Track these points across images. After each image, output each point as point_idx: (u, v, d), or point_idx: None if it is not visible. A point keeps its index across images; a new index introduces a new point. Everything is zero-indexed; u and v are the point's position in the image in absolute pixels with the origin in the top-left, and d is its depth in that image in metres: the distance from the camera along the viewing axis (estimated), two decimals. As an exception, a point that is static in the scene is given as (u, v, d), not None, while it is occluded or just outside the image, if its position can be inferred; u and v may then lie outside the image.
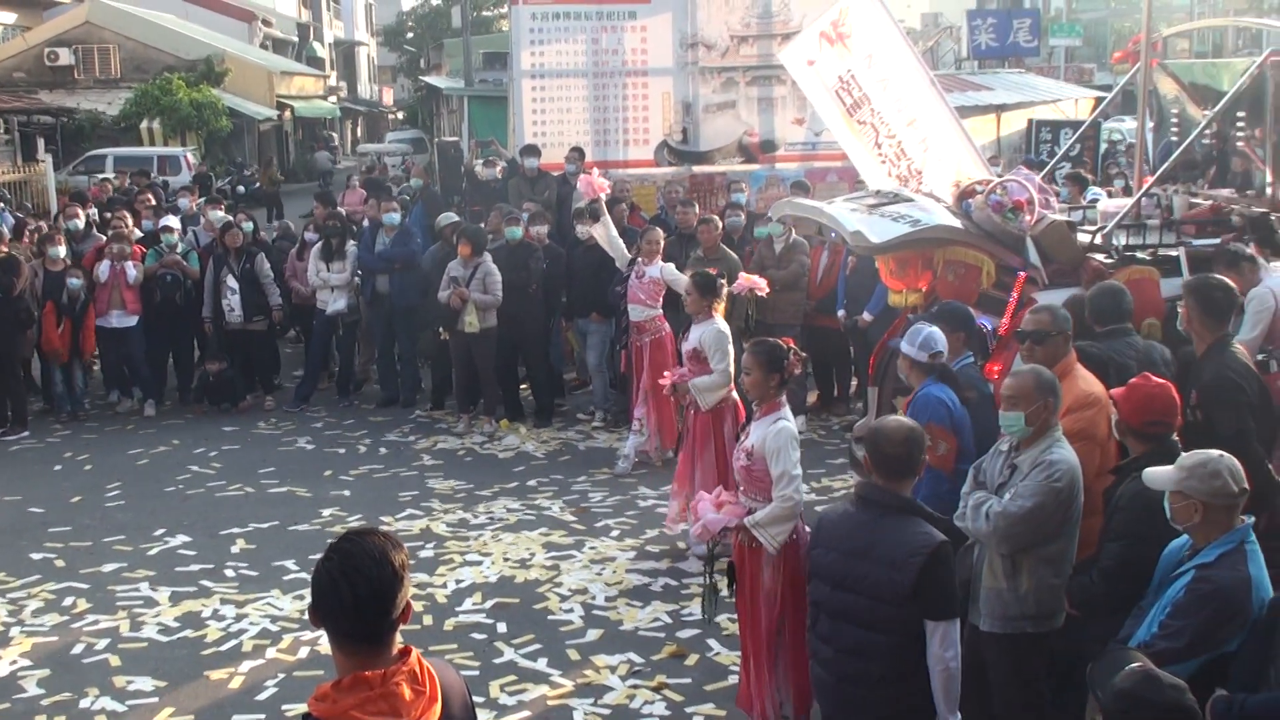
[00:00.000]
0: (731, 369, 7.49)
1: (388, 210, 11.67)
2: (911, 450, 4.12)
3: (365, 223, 12.06)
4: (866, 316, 9.99)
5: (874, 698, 4.09)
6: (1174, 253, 6.99)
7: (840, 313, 10.28)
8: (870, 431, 4.22)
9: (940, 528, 4.08)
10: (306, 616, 3.94)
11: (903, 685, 4.04)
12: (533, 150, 13.22)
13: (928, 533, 4.03)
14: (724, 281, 7.65)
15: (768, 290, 8.07)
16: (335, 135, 54.87)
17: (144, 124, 34.92)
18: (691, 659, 6.15)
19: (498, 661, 6.16)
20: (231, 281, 11.34)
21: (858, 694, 4.13)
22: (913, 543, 4.00)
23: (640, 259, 9.57)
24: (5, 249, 10.98)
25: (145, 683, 5.98)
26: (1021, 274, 6.84)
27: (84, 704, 5.77)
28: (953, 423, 5.13)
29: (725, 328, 7.56)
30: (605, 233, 9.73)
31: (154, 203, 13.29)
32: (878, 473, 4.16)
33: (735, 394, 7.48)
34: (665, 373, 8.08)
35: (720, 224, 10.45)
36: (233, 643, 6.47)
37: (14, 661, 6.23)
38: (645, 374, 9.25)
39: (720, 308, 7.63)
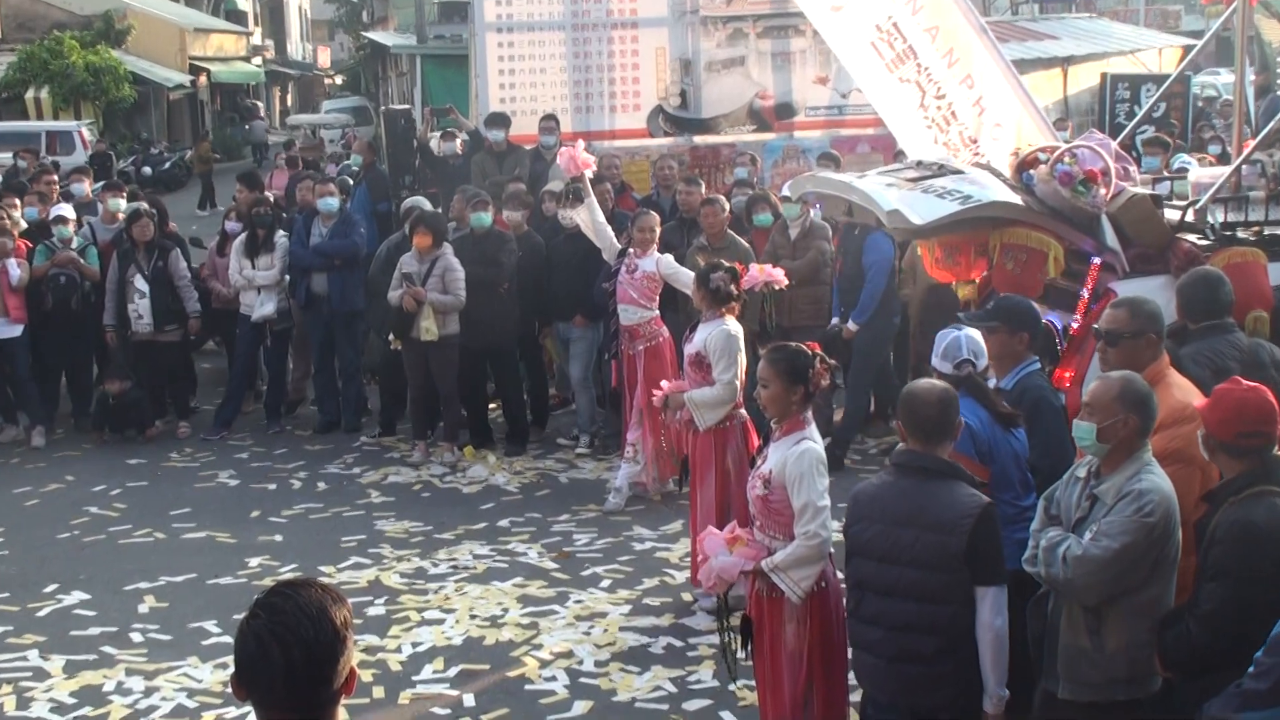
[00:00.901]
0: (739, 380, 7.53)
1: (325, 195, 11.75)
2: (947, 411, 4.69)
3: (298, 210, 12.16)
4: (851, 326, 10.18)
5: (934, 673, 4.55)
6: (1283, 230, 7.08)
7: (834, 320, 10.46)
8: (903, 396, 4.79)
9: (979, 488, 4.66)
10: (229, 688, 3.93)
11: (963, 655, 4.51)
12: (500, 119, 13.32)
13: (974, 494, 4.60)
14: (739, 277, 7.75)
15: (785, 282, 8.05)
16: (261, 104, 55.03)
17: (30, 93, 34.92)
18: (701, 736, 6.22)
19: (465, 742, 6.20)
20: (140, 283, 11.39)
21: (916, 671, 4.56)
22: (962, 505, 4.54)
23: (632, 250, 9.63)
24: None
25: (34, 775, 6.00)
26: (1096, 260, 6.89)
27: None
28: (980, 449, 5.18)
29: (737, 330, 7.63)
30: (589, 218, 9.81)
31: (56, 186, 13.16)
32: (913, 438, 4.71)
33: (743, 411, 7.56)
34: (662, 383, 8.13)
35: (728, 206, 10.63)
36: (141, 723, 6.46)
37: None
38: (639, 389, 9.30)
39: (734, 308, 7.73)
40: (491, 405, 11.82)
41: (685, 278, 9.05)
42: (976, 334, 5.47)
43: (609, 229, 9.87)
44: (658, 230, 9.68)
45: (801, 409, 5.22)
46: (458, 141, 14.50)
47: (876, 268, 10.04)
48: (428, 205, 12.10)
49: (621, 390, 9.82)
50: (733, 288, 7.62)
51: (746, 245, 10.44)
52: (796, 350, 5.28)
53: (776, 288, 8.12)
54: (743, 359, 7.58)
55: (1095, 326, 5.38)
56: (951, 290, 7.79)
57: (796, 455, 5.08)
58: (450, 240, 10.89)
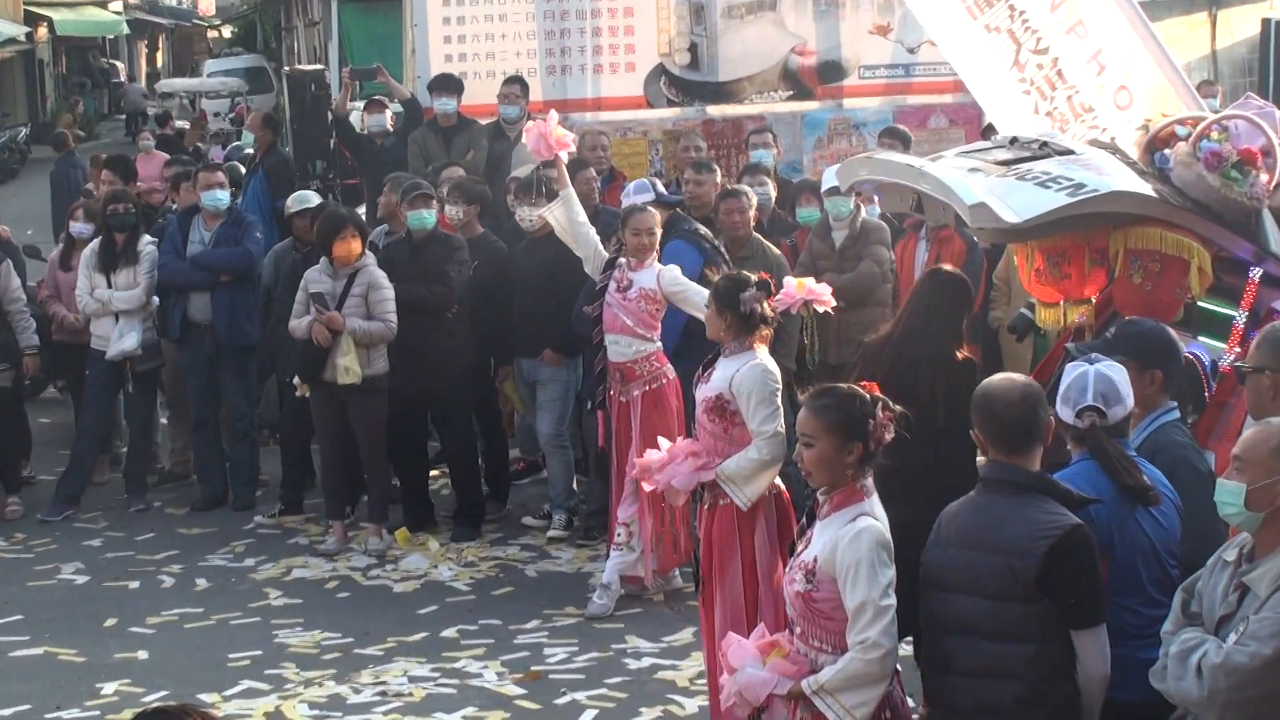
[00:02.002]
0: (783, 430, 7.51)
1: (209, 186, 11.79)
2: (1032, 412, 5.10)
3: (173, 207, 12.22)
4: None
5: None
6: None
7: None
8: (979, 397, 5.20)
9: (1075, 507, 5.00)
10: None
11: (1055, 706, 4.81)
12: (447, 84, 13.40)
13: (1060, 513, 4.97)
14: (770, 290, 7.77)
15: (833, 304, 8.08)
16: (121, 64, 55.17)
17: None
18: None
19: None
20: (-46, 309, 11.62)
21: None
22: (1039, 523, 4.93)
23: (624, 259, 9.67)
24: None
25: None
26: (1254, 272, 6.91)
27: None
28: (1097, 535, 5.20)
29: (773, 366, 7.65)
30: (566, 217, 9.89)
31: None
32: (994, 446, 5.13)
33: (778, 478, 7.63)
34: (653, 450, 7.98)
35: (754, 201, 10.71)
36: None
37: None
38: (634, 449, 9.22)
39: (767, 336, 7.74)
40: (434, 472, 11.78)
41: (697, 297, 9.06)
42: (1117, 370, 5.52)
43: (592, 232, 9.91)
44: (659, 232, 9.69)
45: (858, 474, 5.25)
46: (388, 114, 14.56)
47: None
48: (315, 198, 12.18)
49: (609, 452, 9.81)
50: (765, 308, 7.63)
51: (778, 253, 10.56)
52: (850, 394, 5.30)
53: (820, 310, 8.14)
54: (781, 404, 7.63)
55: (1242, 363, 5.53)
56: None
57: (851, 537, 5.10)
58: (377, 248, 10.87)
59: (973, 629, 4.99)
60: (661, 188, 10.78)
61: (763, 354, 7.66)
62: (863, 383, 5.39)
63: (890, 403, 5.29)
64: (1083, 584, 4.90)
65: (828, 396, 5.31)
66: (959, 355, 7.57)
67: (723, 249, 10.10)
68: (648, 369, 9.67)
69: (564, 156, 9.82)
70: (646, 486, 7.98)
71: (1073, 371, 5.50)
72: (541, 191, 10.40)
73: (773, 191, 11.40)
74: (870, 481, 5.27)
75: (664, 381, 9.68)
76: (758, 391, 7.48)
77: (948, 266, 8.30)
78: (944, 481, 5.43)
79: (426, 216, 10.98)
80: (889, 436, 5.23)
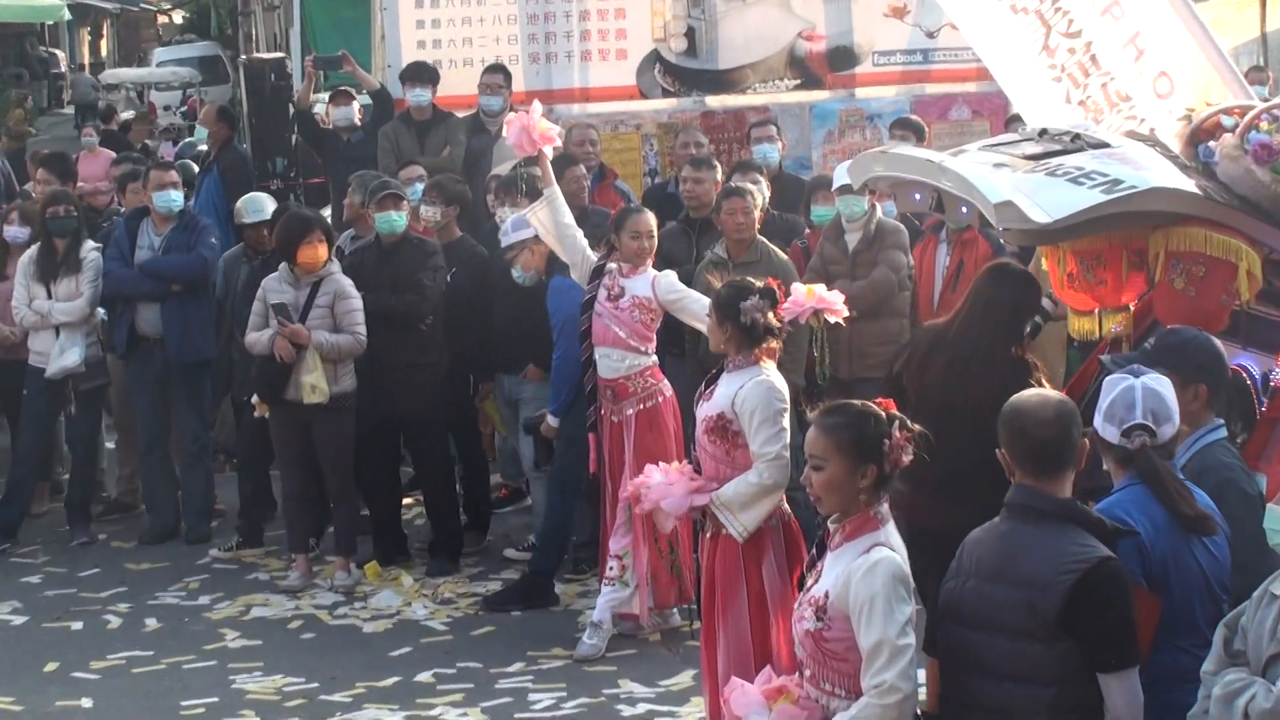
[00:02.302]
0: (787, 453, 7.54)
1: (161, 186, 11.79)
2: (1067, 432, 5.13)
3: (120, 209, 12.28)
4: (552, 420, 10.35)
5: None
6: None
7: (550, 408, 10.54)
8: (1007, 414, 5.22)
9: (1115, 545, 5.01)
10: None
11: None
12: (421, 74, 13.42)
13: (1088, 545, 4.98)
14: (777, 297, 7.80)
15: (845, 313, 8.08)
16: (62, 53, 55.06)
17: None
18: None
19: None
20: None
21: None
22: (1064, 555, 4.94)
23: (615, 266, 9.69)
24: None
25: None
26: (1310, 275, 6.93)
27: None
28: (1150, 571, 5.23)
29: (780, 382, 7.67)
30: (550, 219, 9.90)
31: None
32: (1021, 469, 5.14)
33: (784, 504, 7.65)
34: (653, 471, 7.98)
35: (760, 200, 10.70)
36: None
37: None
38: (628, 474, 9.23)
39: (774, 349, 7.76)
40: (407, 500, 11.80)
41: (697, 306, 9.15)
42: (1164, 385, 5.50)
43: (579, 235, 9.92)
44: (655, 235, 9.73)
45: (872, 500, 5.26)
46: (355, 107, 14.54)
47: (564, 326, 10.13)
48: (270, 205, 12.16)
49: (601, 478, 9.81)
50: (771, 318, 7.66)
51: (785, 257, 10.57)
52: (863, 412, 5.30)
53: (831, 321, 8.09)
54: (788, 423, 7.63)
55: None
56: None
57: (865, 570, 5.10)
58: (343, 254, 10.90)
59: (990, 668, 5.02)
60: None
61: (769, 369, 7.67)
62: (879, 400, 5.39)
63: (908, 421, 5.29)
64: (1110, 622, 4.91)
65: (839, 414, 5.32)
66: (1016, 355, 7.67)
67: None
68: (642, 385, 9.68)
69: (548, 152, 9.82)
70: (640, 510, 7.97)
71: (1117, 385, 5.47)
72: (524, 190, 10.38)
73: (766, 191, 11.32)
74: (886, 508, 5.28)
75: (660, 399, 9.70)
76: (761, 410, 7.50)
77: (1013, 262, 8.35)
78: (995, 483, 5.41)
79: (396, 219, 10.97)
80: (907, 459, 5.24)
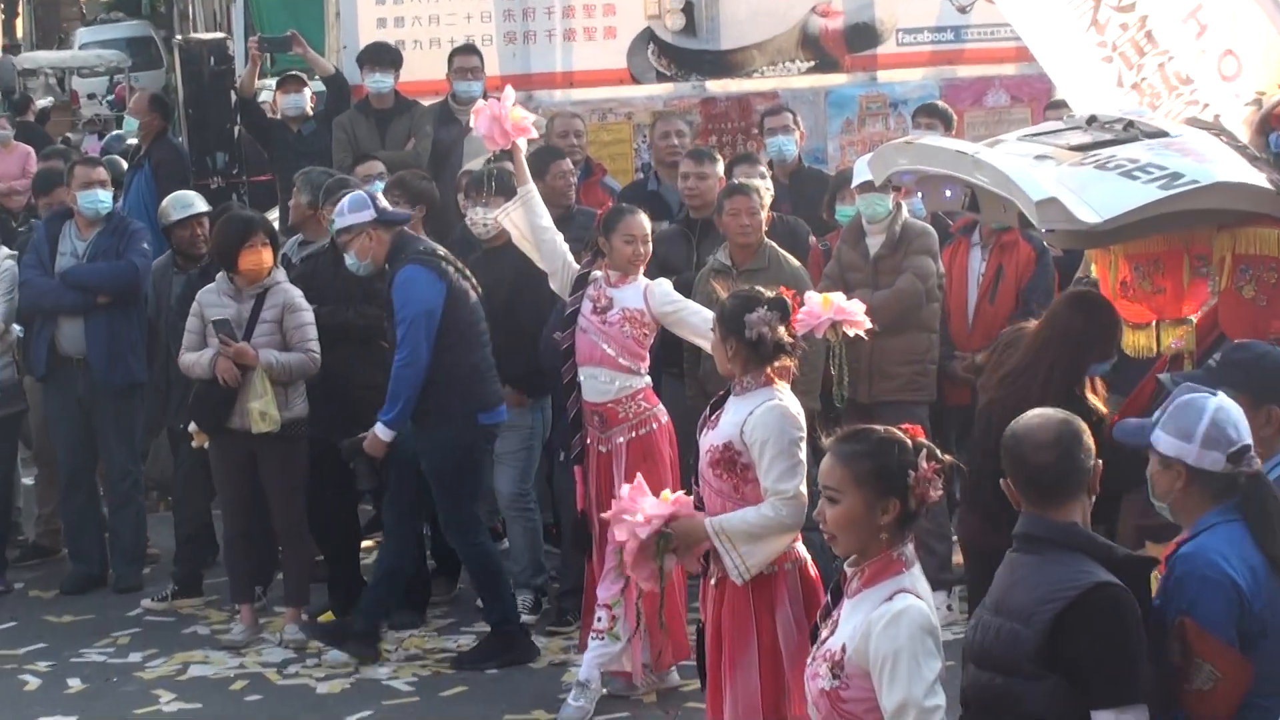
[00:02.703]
0: (805, 490, 7.51)
1: (88, 185, 11.77)
2: (1069, 455, 5.24)
3: (38, 208, 12.37)
4: (383, 433, 10.26)
5: None
6: None
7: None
8: (1008, 436, 5.35)
9: (1131, 574, 5.13)
10: None
11: None
12: (381, 56, 13.41)
13: (1086, 571, 5.09)
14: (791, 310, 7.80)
15: (866, 326, 8.07)
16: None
17: None
18: None
19: None
20: None
21: None
22: (1055, 582, 5.08)
23: (602, 274, 9.73)
24: None
25: None
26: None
27: None
28: (1246, 623, 5.23)
29: (795, 407, 7.67)
30: (526, 221, 9.94)
31: None
32: (1024, 497, 5.29)
33: (800, 545, 7.67)
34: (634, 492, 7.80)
35: (766, 199, 10.77)
36: None
37: None
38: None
39: (788, 368, 7.75)
40: (367, 542, 11.80)
41: (697, 319, 9.25)
42: (1235, 406, 5.51)
43: (559, 239, 9.93)
44: (649, 239, 9.75)
45: (895, 539, 5.24)
46: (306, 94, 14.56)
47: (411, 325, 10.13)
48: (200, 201, 12.15)
49: (588, 516, 9.77)
50: (783, 333, 7.64)
51: (797, 264, 10.62)
52: (886, 439, 5.29)
53: (850, 334, 8.08)
54: (805, 452, 7.61)
55: None
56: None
57: (888, 621, 5.08)
58: (292, 263, 10.92)
59: (989, 706, 5.16)
60: (385, 202, 10.68)
61: (783, 392, 7.67)
62: (905, 426, 5.38)
63: (937, 451, 5.29)
64: (1103, 652, 4.97)
65: (858, 441, 5.31)
66: (1077, 394, 7.67)
67: (468, 273, 10.26)
68: (634, 410, 9.68)
69: (522, 144, 9.86)
70: (619, 535, 7.77)
71: (1206, 406, 5.43)
72: (495, 188, 10.40)
73: (770, 186, 11.37)
74: (911, 549, 5.27)
75: (655, 426, 9.72)
76: (775, 439, 7.47)
77: (1095, 292, 8.24)
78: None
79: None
80: (935, 494, 5.23)
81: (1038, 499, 5.22)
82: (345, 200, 10.41)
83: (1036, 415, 5.37)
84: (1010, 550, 5.29)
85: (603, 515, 8.32)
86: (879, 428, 5.39)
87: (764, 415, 7.51)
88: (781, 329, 7.61)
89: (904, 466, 5.20)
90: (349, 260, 10.40)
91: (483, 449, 10.47)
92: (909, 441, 5.27)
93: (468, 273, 10.36)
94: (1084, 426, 5.31)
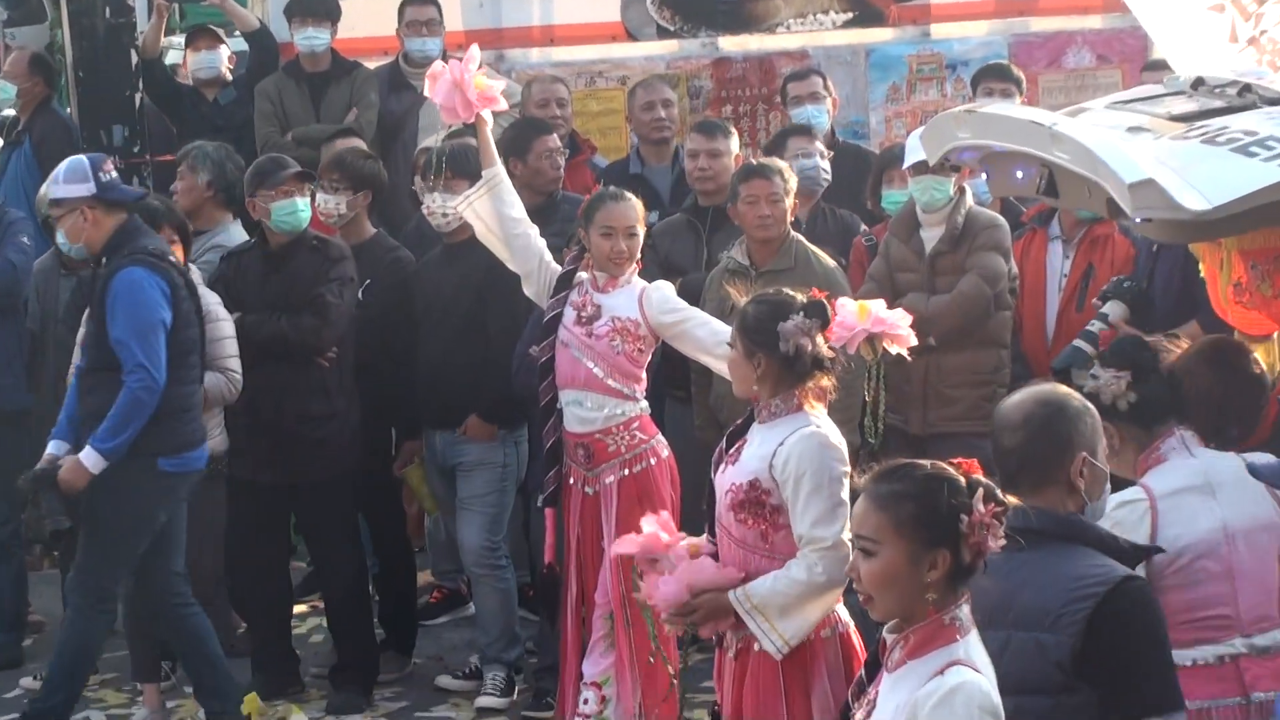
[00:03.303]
0: (848, 539, 7.12)
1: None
2: (1037, 438, 5.65)
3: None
4: (89, 462, 10.07)
5: None
6: None
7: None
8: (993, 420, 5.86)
9: (1128, 560, 5.56)
10: None
11: None
12: (315, 7, 13.45)
13: (1103, 565, 5.44)
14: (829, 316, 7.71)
15: (911, 343, 7.93)
16: None
17: None
18: None
19: None
20: None
21: None
22: (1075, 579, 5.38)
23: (587, 275, 9.75)
24: None
25: None
26: None
27: None
28: None
29: (836, 436, 7.64)
30: (494, 211, 9.90)
31: None
32: (1009, 485, 5.39)
33: (841, 608, 7.67)
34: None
35: (791, 183, 10.71)
36: None
37: None
38: (606, 567, 9.47)
39: (825, 389, 7.67)
40: (300, 608, 11.92)
41: (704, 332, 9.30)
42: None
43: (534, 233, 9.88)
44: (635, 232, 9.70)
45: (946, 600, 5.16)
46: (223, 53, 14.49)
47: (146, 337, 10.05)
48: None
49: (563, 572, 9.82)
50: (822, 344, 7.57)
51: (831, 264, 10.60)
52: (933, 476, 5.22)
53: (895, 352, 7.91)
54: (848, 488, 7.36)
55: None
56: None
57: (939, 700, 5.02)
58: (203, 255, 11.01)
59: None
60: (114, 173, 10.51)
61: (820, 417, 7.61)
62: (958, 460, 5.28)
63: (999, 492, 5.22)
64: (1144, 655, 5.28)
65: (898, 479, 5.23)
66: None
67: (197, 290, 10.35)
68: (627, 442, 9.62)
69: (488, 117, 9.77)
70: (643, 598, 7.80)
71: None
72: (455, 170, 10.40)
73: (825, 166, 11.43)
74: (966, 612, 5.19)
75: (652, 461, 9.68)
76: (813, 474, 7.39)
77: (1239, 346, 7.97)
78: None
79: (302, 210, 10.96)
80: (995, 543, 5.14)
81: (1023, 484, 5.51)
82: (62, 168, 10.36)
83: (1020, 393, 5.88)
84: (992, 558, 5.27)
85: (619, 550, 8.24)
86: (924, 462, 5.33)
87: (799, 445, 7.44)
88: (820, 340, 7.54)
89: (955, 510, 5.12)
90: (59, 238, 10.48)
91: (163, 504, 10.29)
92: (962, 479, 5.18)
93: (197, 290, 10.35)
94: (1069, 404, 5.73)
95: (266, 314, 10.80)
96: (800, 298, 7.66)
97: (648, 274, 9.86)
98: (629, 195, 9.87)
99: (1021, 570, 5.30)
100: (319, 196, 11.32)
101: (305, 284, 10.85)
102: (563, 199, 11.34)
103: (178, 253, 10.57)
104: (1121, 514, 6.69)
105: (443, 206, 10.76)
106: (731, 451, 7.71)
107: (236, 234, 11.87)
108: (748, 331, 7.61)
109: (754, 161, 10.93)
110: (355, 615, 11.28)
